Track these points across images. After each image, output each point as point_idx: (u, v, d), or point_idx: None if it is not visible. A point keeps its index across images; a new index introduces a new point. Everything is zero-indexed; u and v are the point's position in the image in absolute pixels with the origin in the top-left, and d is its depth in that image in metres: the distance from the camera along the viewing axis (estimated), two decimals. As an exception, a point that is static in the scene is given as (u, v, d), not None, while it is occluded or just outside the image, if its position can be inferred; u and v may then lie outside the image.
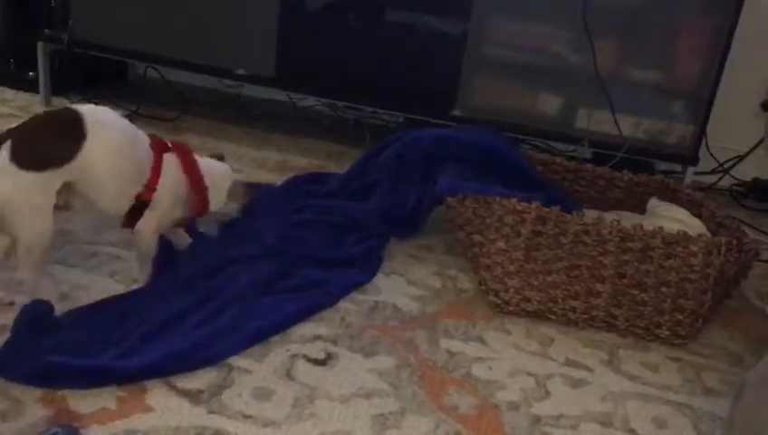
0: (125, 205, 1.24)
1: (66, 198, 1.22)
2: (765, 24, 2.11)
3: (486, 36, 2.02)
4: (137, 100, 2.19)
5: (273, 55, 2.04)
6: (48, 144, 1.12)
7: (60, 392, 1.03)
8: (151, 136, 1.29)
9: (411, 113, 2.11)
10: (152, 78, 2.41)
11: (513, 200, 1.37)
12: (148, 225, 1.27)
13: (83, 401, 1.02)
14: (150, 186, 1.24)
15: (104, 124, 1.17)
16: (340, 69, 2.06)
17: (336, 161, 2.03)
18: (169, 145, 1.31)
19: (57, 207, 1.17)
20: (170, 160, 1.28)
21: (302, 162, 2.02)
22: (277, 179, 1.85)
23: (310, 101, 2.43)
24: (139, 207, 1.25)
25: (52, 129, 1.15)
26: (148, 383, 1.07)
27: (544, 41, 2.01)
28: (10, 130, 1.12)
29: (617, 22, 1.97)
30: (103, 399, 1.03)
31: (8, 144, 1.09)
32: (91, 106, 1.20)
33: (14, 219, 1.11)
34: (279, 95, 2.41)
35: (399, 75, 2.03)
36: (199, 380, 1.10)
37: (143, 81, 2.37)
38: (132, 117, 2.13)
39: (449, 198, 1.55)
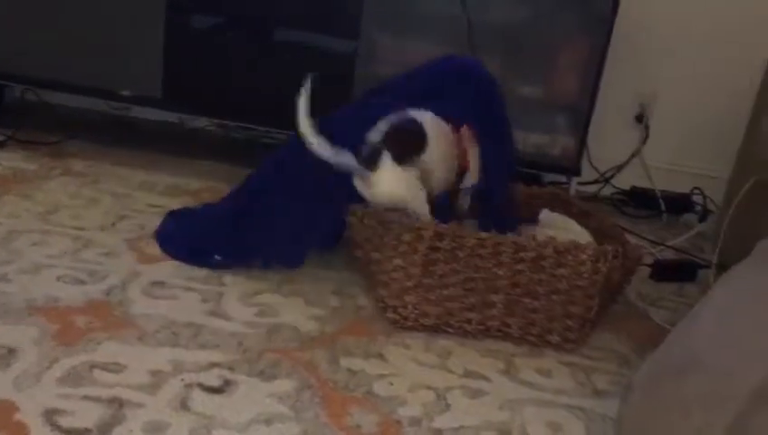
0: (451, 178, 1.53)
1: None
2: (636, 42, 2.25)
3: (375, 54, 2.05)
4: (14, 124, 2.07)
5: (159, 75, 1.99)
6: (412, 147, 1.42)
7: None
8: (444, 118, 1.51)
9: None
10: (31, 101, 2.29)
11: (412, 219, 1.39)
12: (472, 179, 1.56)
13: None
14: (463, 157, 1.52)
15: (434, 128, 1.46)
16: (229, 88, 2.03)
17: (229, 183, 1.98)
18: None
19: None
20: (465, 132, 1.53)
21: (194, 185, 1.97)
22: (169, 203, 1.80)
23: (201, 122, 2.38)
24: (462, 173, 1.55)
25: (412, 135, 1.43)
26: (30, 423, 1.01)
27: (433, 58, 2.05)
28: (381, 143, 1.38)
29: (500, 40, 2.04)
30: (-21, 445, 0.96)
31: (387, 153, 1.37)
32: (422, 113, 1.46)
33: (412, 204, 1.42)
34: (168, 116, 2.35)
35: (290, 94, 2.02)
36: (86, 417, 1.04)
37: (20, 104, 2.24)
38: (8, 143, 2.02)
39: (349, 218, 1.55)
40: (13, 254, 1.45)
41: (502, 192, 1.62)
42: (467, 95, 1.59)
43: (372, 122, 1.44)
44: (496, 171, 1.59)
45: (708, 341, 0.95)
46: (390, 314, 1.42)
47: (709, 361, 0.92)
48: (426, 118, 1.46)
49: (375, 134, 1.41)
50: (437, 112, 1.51)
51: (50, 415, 1.03)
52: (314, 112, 1.41)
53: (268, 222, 1.55)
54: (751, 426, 0.83)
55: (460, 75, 1.62)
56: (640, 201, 2.39)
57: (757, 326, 0.91)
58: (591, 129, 2.13)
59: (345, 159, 1.38)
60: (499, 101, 1.63)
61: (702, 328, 0.99)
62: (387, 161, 1.37)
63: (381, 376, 1.26)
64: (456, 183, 1.55)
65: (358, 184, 1.40)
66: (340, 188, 1.53)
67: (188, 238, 1.59)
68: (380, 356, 1.32)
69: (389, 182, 1.38)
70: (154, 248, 1.57)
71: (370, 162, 1.37)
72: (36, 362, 1.14)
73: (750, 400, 0.84)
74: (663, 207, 2.34)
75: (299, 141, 1.54)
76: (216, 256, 1.52)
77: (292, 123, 2.09)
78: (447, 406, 1.21)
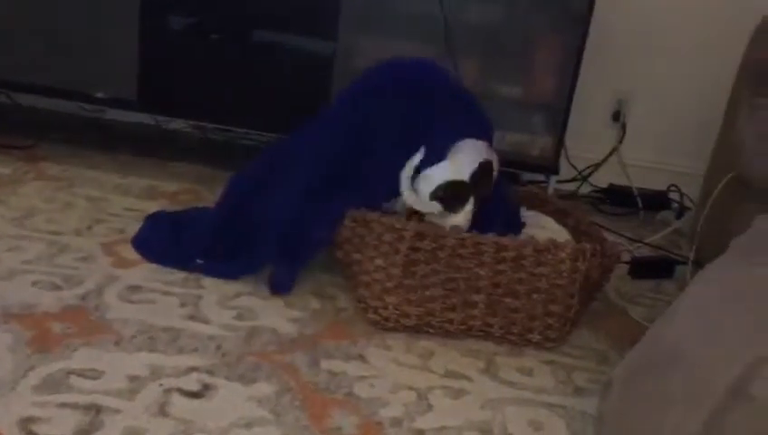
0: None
1: None
2: (612, 41, 2.27)
3: (355, 55, 2.04)
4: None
5: (134, 77, 1.97)
6: (485, 191, 1.49)
7: None
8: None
9: (280, 133, 2.10)
10: (3, 103, 2.25)
11: (393, 218, 1.39)
12: None
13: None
14: None
15: (497, 166, 1.53)
16: (206, 90, 2.01)
17: (207, 185, 1.97)
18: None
19: None
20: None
21: (171, 187, 1.95)
22: (145, 207, 1.78)
23: (177, 124, 2.35)
24: None
25: (489, 181, 1.50)
26: (6, 432, 0.99)
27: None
28: (471, 186, 1.45)
29: (478, 40, 2.05)
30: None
31: (472, 200, 1.45)
32: (483, 146, 1.52)
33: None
34: (144, 118, 2.32)
35: (268, 95, 2.01)
36: (63, 424, 1.02)
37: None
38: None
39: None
40: (-14, 260, 1.43)
41: (502, 195, 1.62)
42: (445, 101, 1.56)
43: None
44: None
45: (686, 338, 0.96)
46: (371, 315, 1.42)
47: (687, 357, 0.92)
48: (491, 153, 1.52)
49: (460, 172, 1.44)
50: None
51: (26, 423, 1.02)
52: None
53: (258, 235, 1.53)
54: (726, 422, 0.84)
55: (425, 83, 1.59)
56: (618, 199, 2.40)
57: (734, 323, 0.92)
58: (569, 127, 2.14)
59: (430, 207, 1.43)
60: (473, 100, 1.62)
61: (679, 325, 1.00)
62: (470, 205, 1.45)
63: (362, 378, 1.25)
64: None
65: (431, 215, 1.45)
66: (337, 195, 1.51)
67: (167, 241, 1.58)
68: (361, 358, 1.31)
69: (461, 218, 1.45)
70: (130, 252, 1.55)
71: (458, 204, 1.44)
72: (11, 370, 1.12)
73: (726, 396, 0.84)
74: (640, 204, 2.36)
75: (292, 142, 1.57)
76: (198, 260, 1.51)
77: (270, 124, 2.09)
78: (429, 406, 1.21)
